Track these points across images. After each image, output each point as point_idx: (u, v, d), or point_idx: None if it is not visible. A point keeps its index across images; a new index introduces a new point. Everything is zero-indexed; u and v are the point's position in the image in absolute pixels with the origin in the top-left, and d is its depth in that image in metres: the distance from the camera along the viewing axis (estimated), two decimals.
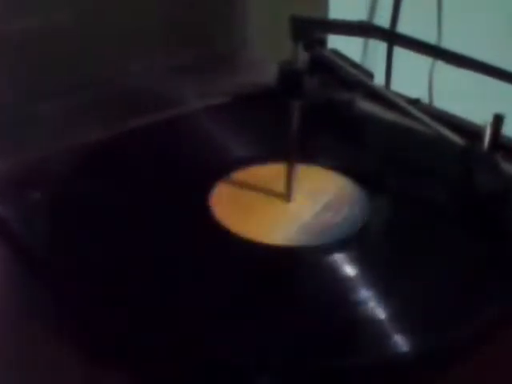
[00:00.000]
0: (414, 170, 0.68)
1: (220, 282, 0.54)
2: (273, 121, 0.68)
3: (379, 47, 1.02)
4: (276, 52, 0.63)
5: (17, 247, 0.58)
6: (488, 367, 0.50)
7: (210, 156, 0.69)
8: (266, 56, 0.83)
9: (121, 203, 0.62)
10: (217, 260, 0.56)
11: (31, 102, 0.71)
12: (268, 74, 0.67)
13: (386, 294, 0.53)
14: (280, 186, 0.64)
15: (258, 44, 0.87)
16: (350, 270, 0.55)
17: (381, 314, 0.51)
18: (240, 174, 0.66)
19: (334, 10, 0.91)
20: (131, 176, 0.66)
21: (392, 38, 0.81)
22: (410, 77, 0.96)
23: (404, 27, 0.98)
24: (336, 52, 0.68)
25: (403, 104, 0.65)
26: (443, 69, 0.65)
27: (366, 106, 0.75)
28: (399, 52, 0.95)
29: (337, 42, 0.68)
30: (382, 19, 1.01)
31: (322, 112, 0.69)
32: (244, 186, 0.65)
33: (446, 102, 0.79)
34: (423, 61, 0.71)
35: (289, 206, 0.64)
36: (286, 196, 0.64)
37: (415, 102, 0.74)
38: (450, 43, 0.64)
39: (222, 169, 0.66)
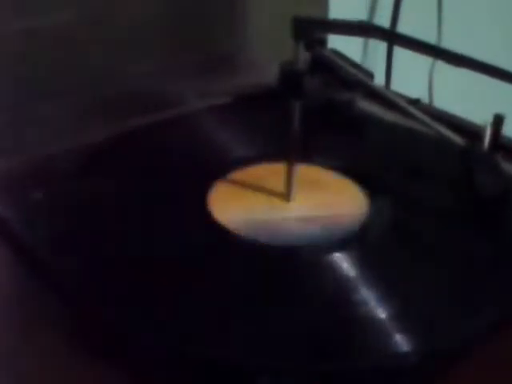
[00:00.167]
0: (414, 170, 0.68)
1: (219, 281, 0.54)
2: (273, 121, 0.68)
3: (379, 47, 1.02)
4: (276, 52, 0.63)
5: (18, 247, 0.58)
6: (488, 367, 0.50)
7: (210, 156, 0.69)
8: (267, 56, 0.83)
9: (121, 203, 0.62)
10: (216, 260, 0.56)
11: (31, 102, 0.71)
12: (268, 74, 0.67)
13: (386, 294, 0.53)
14: (280, 186, 0.64)
15: (259, 44, 0.87)
16: (350, 270, 0.55)
17: (381, 314, 0.51)
18: (240, 174, 0.66)
19: (334, 10, 0.91)
20: (131, 176, 0.66)
21: (392, 37, 0.81)
22: (410, 77, 0.96)
23: (404, 27, 0.98)
24: (336, 52, 0.68)
25: (403, 104, 0.65)
26: (443, 69, 0.65)
27: (366, 105, 0.75)
28: (399, 52, 0.95)
29: (337, 42, 0.67)
30: (382, 19, 1.01)
31: (322, 112, 0.69)
32: (244, 185, 0.65)
33: (445, 102, 0.79)
34: (423, 61, 0.71)
35: (288, 206, 0.64)
36: (286, 195, 0.64)
37: (415, 102, 0.74)
38: (449, 43, 0.64)
39: (221, 168, 0.67)
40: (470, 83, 0.72)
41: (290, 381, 0.48)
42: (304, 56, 0.62)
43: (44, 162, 0.66)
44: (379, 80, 0.88)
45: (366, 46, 1.05)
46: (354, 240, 0.59)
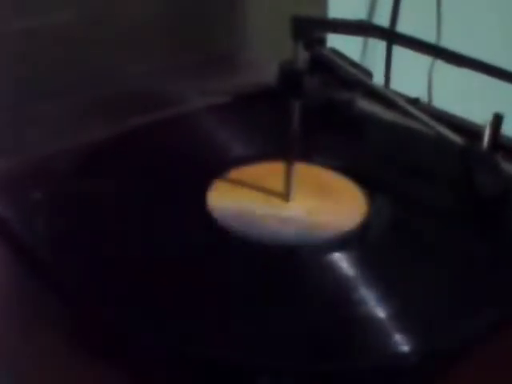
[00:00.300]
0: (413, 170, 0.68)
1: (219, 281, 0.54)
2: (272, 120, 0.68)
3: (378, 46, 1.02)
4: (276, 52, 0.64)
5: (18, 247, 0.58)
6: (488, 367, 0.50)
7: (210, 155, 0.69)
8: (266, 56, 0.83)
9: (120, 203, 0.62)
10: (216, 259, 0.56)
11: (31, 101, 0.71)
12: (268, 73, 0.67)
13: (386, 294, 0.53)
14: (279, 185, 0.64)
15: (258, 44, 0.87)
16: (349, 270, 0.55)
17: (381, 314, 0.51)
18: (239, 173, 0.66)
19: (333, 10, 0.91)
20: (130, 175, 0.66)
21: (391, 37, 0.81)
22: (410, 76, 0.96)
23: (403, 26, 0.98)
24: (335, 51, 0.68)
25: (402, 103, 0.66)
26: (442, 68, 0.65)
27: (366, 105, 0.75)
28: (398, 51, 0.95)
29: (336, 42, 0.68)
30: (382, 18, 1.01)
31: (321, 111, 0.69)
32: (243, 184, 0.65)
33: (445, 102, 0.79)
34: (422, 60, 0.71)
35: (288, 205, 0.64)
36: (285, 195, 0.64)
37: (414, 102, 0.74)
38: (449, 42, 0.64)
39: (221, 168, 0.67)
40: (470, 82, 0.72)
41: (290, 381, 0.48)
42: (303, 55, 0.62)
43: (44, 162, 0.66)
44: (378, 79, 0.88)
45: (365, 46, 1.05)
46: (354, 240, 0.59)
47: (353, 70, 0.67)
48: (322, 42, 0.65)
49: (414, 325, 0.51)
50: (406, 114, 0.65)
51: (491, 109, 0.62)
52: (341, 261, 0.56)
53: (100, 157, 0.68)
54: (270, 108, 0.70)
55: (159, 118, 0.73)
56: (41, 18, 0.71)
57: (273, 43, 0.73)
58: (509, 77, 0.59)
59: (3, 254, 0.58)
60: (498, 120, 0.62)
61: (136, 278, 0.54)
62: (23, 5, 0.70)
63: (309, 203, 0.64)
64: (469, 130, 0.64)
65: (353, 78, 0.67)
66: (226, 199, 0.63)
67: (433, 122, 0.63)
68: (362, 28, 0.68)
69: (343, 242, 0.58)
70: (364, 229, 0.60)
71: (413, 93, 0.76)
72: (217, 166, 0.67)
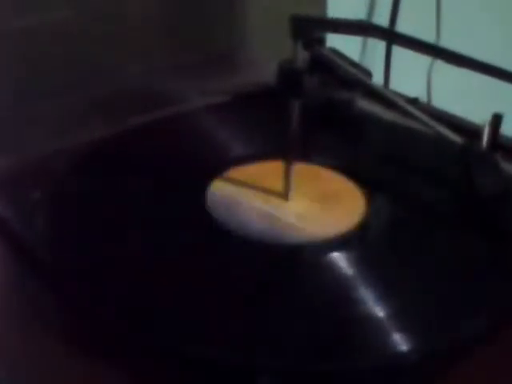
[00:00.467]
0: (413, 170, 0.68)
1: (219, 281, 0.54)
2: (272, 120, 0.68)
3: (378, 46, 1.02)
4: (275, 51, 0.63)
5: (17, 246, 0.58)
6: (488, 367, 0.51)
7: (209, 154, 0.69)
8: (266, 55, 0.83)
9: (120, 202, 0.62)
10: (215, 259, 0.56)
11: (31, 101, 0.71)
12: (267, 73, 0.67)
13: (386, 293, 0.53)
14: (278, 185, 0.64)
15: (258, 43, 0.87)
16: (349, 270, 0.55)
17: (381, 313, 0.51)
18: (238, 172, 0.66)
19: (332, 9, 0.91)
20: (130, 174, 0.66)
21: (391, 37, 0.81)
22: (409, 76, 0.96)
23: (403, 26, 0.98)
24: (335, 51, 0.68)
25: (402, 103, 0.65)
26: (442, 68, 0.65)
27: (365, 105, 0.75)
28: (398, 51, 0.95)
29: (335, 41, 0.68)
30: (381, 18, 1.01)
31: (321, 111, 0.69)
32: (242, 184, 0.65)
33: (444, 101, 0.79)
34: (422, 60, 0.71)
35: (287, 205, 0.64)
36: (284, 194, 0.64)
37: (414, 101, 0.74)
38: (448, 42, 0.64)
39: (220, 167, 0.67)
40: (469, 82, 0.72)
41: (290, 381, 0.48)
42: (303, 55, 0.62)
43: (44, 161, 0.66)
44: (378, 79, 0.88)
45: (364, 45, 1.05)
46: (354, 239, 0.59)
47: (352, 70, 0.67)
48: (322, 41, 0.65)
49: (413, 324, 0.51)
50: (406, 113, 0.65)
51: (490, 109, 0.62)
52: (340, 260, 0.56)
53: (100, 156, 0.68)
54: (270, 108, 0.69)
55: (158, 117, 0.73)
56: (40, 17, 0.71)
57: (272, 43, 0.73)
58: (508, 77, 0.59)
59: (3, 252, 0.58)
60: (497, 120, 0.62)
61: (136, 277, 0.54)
62: (23, 4, 0.70)
63: (308, 203, 0.64)
64: (468, 130, 0.64)
65: (352, 78, 0.67)
66: (225, 198, 0.63)
67: (432, 122, 0.63)
68: (361, 28, 0.68)
69: (343, 242, 0.58)
70: (364, 228, 0.60)
71: (412, 92, 0.76)
72: (216, 166, 0.67)
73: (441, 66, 0.63)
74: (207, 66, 0.82)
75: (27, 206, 0.61)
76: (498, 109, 0.62)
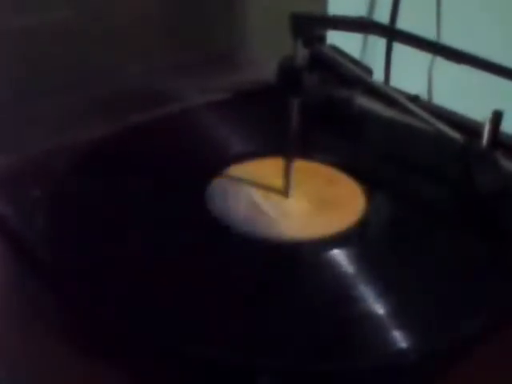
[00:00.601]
0: (413, 167, 0.67)
1: (219, 280, 0.54)
2: (272, 117, 0.68)
3: (378, 43, 1.02)
4: (275, 49, 0.63)
5: (17, 246, 0.58)
6: (488, 367, 0.50)
7: (209, 152, 0.69)
8: (266, 54, 0.83)
9: (120, 201, 0.62)
10: (215, 258, 0.56)
11: (31, 100, 0.71)
12: (267, 71, 0.67)
13: (386, 292, 0.53)
14: (278, 182, 0.64)
15: (258, 41, 0.87)
16: (349, 268, 0.55)
17: (381, 313, 0.51)
18: (238, 170, 0.66)
19: (332, 6, 0.91)
20: (130, 173, 0.66)
21: (391, 34, 0.81)
22: (409, 73, 0.96)
23: (403, 23, 0.98)
24: (335, 48, 0.68)
25: (402, 100, 0.65)
26: (442, 65, 0.65)
27: (365, 102, 0.75)
28: (398, 48, 0.95)
29: (335, 39, 0.67)
30: (381, 15, 1.01)
31: (321, 108, 0.69)
32: (242, 182, 0.65)
33: (445, 99, 0.79)
34: (422, 57, 0.71)
35: (287, 202, 0.64)
36: (284, 192, 0.64)
37: (414, 99, 0.74)
38: (449, 39, 0.64)
39: (220, 165, 0.67)
40: (470, 80, 0.72)
41: (290, 380, 0.48)
42: (303, 53, 0.62)
43: (44, 160, 0.66)
44: (378, 76, 0.88)
45: (365, 43, 1.04)
46: (353, 237, 0.59)
47: (353, 67, 0.67)
48: (322, 39, 0.65)
49: (413, 324, 0.51)
50: (406, 111, 0.65)
51: (491, 106, 0.62)
52: (340, 258, 0.56)
53: (100, 155, 0.68)
54: (270, 105, 0.69)
55: (158, 115, 0.73)
56: (40, 16, 0.71)
57: (272, 41, 0.73)
58: (508, 74, 0.59)
59: (3, 252, 0.58)
60: (497, 117, 0.62)
61: (136, 277, 0.54)
62: (23, 4, 0.70)
63: (308, 200, 0.64)
64: (468, 127, 0.64)
65: (352, 75, 0.67)
66: (225, 196, 0.63)
67: (432, 119, 0.63)
68: (362, 25, 0.67)
69: (343, 240, 0.58)
70: (363, 226, 0.60)
71: (413, 90, 0.76)
72: (216, 164, 0.67)
73: (441, 63, 0.63)
74: (207, 65, 0.82)
75: (27, 205, 0.61)
76: (498, 106, 0.62)
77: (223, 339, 0.49)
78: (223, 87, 0.78)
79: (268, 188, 0.65)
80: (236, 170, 0.66)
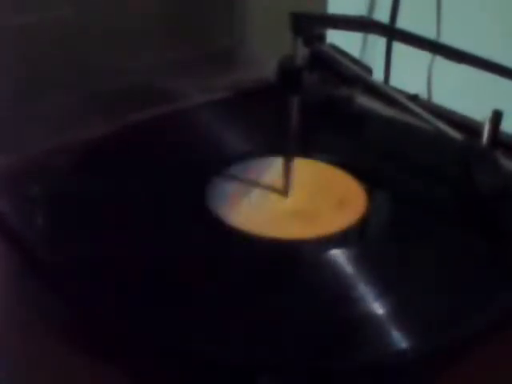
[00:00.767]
0: (413, 167, 0.67)
1: (219, 280, 0.54)
2: (272, 116, 0.68)
3: (378, 42, 1.02)
4: (275, 48, 0.63)
5: (17, 245, 0.58)
6: (488, 367, 0.51)
7: (209, 151, 0.69)
8: (266, 52, 0.83)
9: (120, 200, 0.62)
10: (216, 257, 0.56)
11: (31, 100, 0.71)
12: (267, 70, 0.67)
13: (386, 291, 0.53)
14: (278, 181, 0.64)
15: (258, 41, 0.87)
16: (349, 267, 0.55)
17: (381, 313, 0.51)
18: (238, 169, 0.66)
19: (332, 5, 0.91)
20: (130, 173, 0.66)
21: (391, 33, 0.81)
22: (409, 72, 0.96)
23: (403, 22, 0.98)
24: (335, 47, 0.68)
25: (402, 100, 0.65)
26: (442, 64, 0.65)
27: (365, 101, 0.74)
28: (398, 47, 0.95)
29: (335, 38, 0.67)
30: (381, 14, 1.01)
31: (321, 107, 0.69)
32: (242, 180, 0.65)
33: (444, 98, 0.79)
34: (422, 56, 0.71)
35: (287, 201, 0.64)
36: (284, 191, 0.64)
37: (414, 98, 0.74)
38: (449, 38, 0.64)
39: (220, 164, 0.66)
40: (469, 79, 0.72)
41: (290, 380, 0.48)
42: (303, 51, 0.62)
43: (44, 160, 0.66)
44: (378, 75, 0.88)
45: (364, 42, 1.04)
46: (354, 237, 0.59)
47: (352, 67, 0.66)
48: (322, 38, 0.65)
49: (413, 323, 0.51)
50: (406, 110, 0.65)
51: (491, 105, 0.62)
52: (340, 258, 0.56)
53: (99, 153, 0.68)
54: (270, 104, 0.69)
55: (158, 114, 0.73)
56: (40, 16, 0.71)
57: (272, 40, 0.73)
58: (508, 73, 0.59)
59: (3, 252, 0.58)
60: (497, 116, 0.62)
61: (136, 277, 0.54)
62: (23, 3, 0.70)
63: (308, 199, 0.64)
64: (468, 127, 0.64)
65: (352, 74, 0.67)
66: (225, 195, 0.63)
67: (432, 119, 0.63)
68: (361, 24, 0.68)
69: (343, 239, 0.58)
70: (363, 226, 0.60)
71: (412, 89, 0.76)
72: (216, 162, 0.67)
73: (441, 62, 0.63)
74: (207, 64, 0.82)
75: (27, 205, 0.61)
76: (498, 105, 0.62)
77: (223, 339, 0.49)
78: (223, 86, 0.78)
79: (268, 187, 0.65)
80: (236, 169, 0.66)
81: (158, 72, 0.79)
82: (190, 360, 0.48)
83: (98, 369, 0.49)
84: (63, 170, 0.65)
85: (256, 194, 0.64)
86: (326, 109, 0.71)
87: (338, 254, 0.56)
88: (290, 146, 0.63)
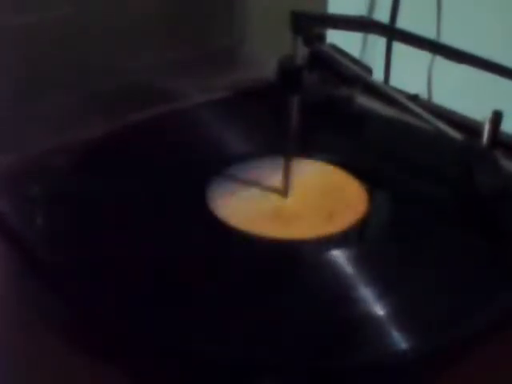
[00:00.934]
0: (413, 167, 0.67)
1: (219, 280, 0.54)
2: (272, 116, 0.68)
3: (378, 42, 1.02)
4: (275, 47, 0.63)
5: (17, 245, 0.58)
6: (488, 367, 0.51)
7: (209, 151, 0.69)
8: (265, 53, 0.83)
9: (120, 200, 0.62)
10: (216, 257, 0.56)
11: (31, 100, 0.71)
12: (267, 70, 0.67)
13: (386, 292, 0.53)
14: (278, 181, 0.64)
15: (258, 40, 0.87)
16: (349, 268, 0.55)
17: (381, 313, 0.51)
18: (238, 169, 0.66)
19: (333, 5, 0.91)
20: (130, 173, 0.66)
21: (391, 33, 0.81)
22: (409, 72, 0.96)
23: (403, 22, 0.98)
24: (335, 47, 0.68)
25: (402, 100, 0.65)
26: (442, 64, 0.65)
27: (365, 101, 0.74)
28: (398, 47, 0.95)
29: (335, 37, 0.67)
30: (381, 14, 1.01)
31: (321, 107, 0.69)
32: (242, 181, 0.65)
33: (444, 98, 0.79)
34: (422, 56, 0.71)
35: (287, 202, 0.64)
36: (284, 191, 0.64)
37: (414, 98, 0.74)
38: (449, 39, 0.64)
39: (220, 164, 0.66)
40: (470, 79, 0.72)
41: (290, 380, 0.48)
42: (303, 51, 0.62)
43: (44, 160, 0.66)
44: (378, 75, 0.88)
45: (364, 42, 1.04)
46: (354, 237, 0.59)
47: (352, 67, 0.66)
48: (322, 37, 0.65)
49: (413, 323, 0.51)
50: (406, 110, 0.65)
51: (491, 106, 0.62)
52: (341, 258, 0.56)
53: (99, 154, 0.68)
54: (270, 104, 0.69)
55: (158, 114, 0.73)
56: (40, 16, 0.71)
57: (272, 40, 0.73)
58: (508, 73, 0.59)
59: (3, 252, 0.58)
60: (497, 117, 0.62)
61: (136, 277, 0.54)
62: (23, 3, 0.70)
63: (308, 199, 0.64)
64: (468, 127, 0.64)
65: (352, 74, 0.67)
66: (225, 196, 0.63)
67: (432, 119, 0.63)
68: (362, 24, 0.68)
69: (342, 239, 0.58)
70: (363, 226, 0.60)
71: (412, 89, 0.76)
72: (216, 162, 0.67)
73: (441, 62, 0.63)
74: (207, 64, 0.82)
75: (27, 205, 0.61)
76: (498, 106, 0.62)
77: (223, 339, 0.49)
78: (223, 86, 0.78)
79: (267, 187, 0.65)
80: (236, 169, 0.66)
81: (158, 72, 0.79)
82: (190, 360, 0.48)
83: (98, 369, 0.49)
84: (63, 169, 0.65)
85: (256, 194, 0.64)
86: (325, 109, 0.71)
87: (338, 255, 0.56)
88: (289, 146, 0.63)
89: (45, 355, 0.52)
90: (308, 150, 0.68)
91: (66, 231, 0.59)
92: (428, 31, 0.62)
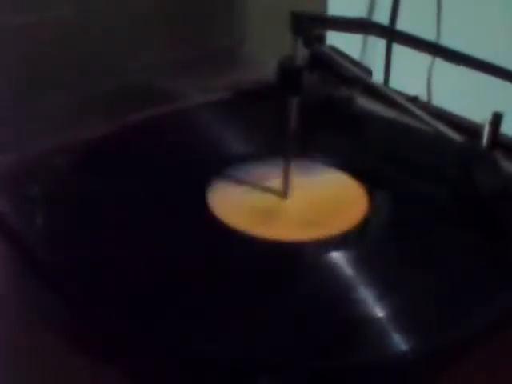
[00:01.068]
0: (413, 168, 0.67)
1: (219, 280, 0.54)
2: (271, 117, 0.68)
3: (378, 44, 1.02)
4: (275, 48, 0.63)
5: (17, 245, 0.58)
6: (488, 367, 0.51)
7: (209, 151, 0.69)
8: (266, 53, 0.83)
9: (120, 200, 0.62)
10: (216, 258, 0.56)
11: (31, 100, 0.71)
12: (267, 70, 0.67)
13: (386, 293, 0.53)
14: (278, 183, 0.64)
15: (257, 41, 0.87)
16: (349, 269, 0.55)
17: (381, 313, 0.51)
18: (238, 170, 0.66)
19: (333, 7, 0.91)
20: (130, 173, 0.66)
21: (391, 35, 0.81)
22: (409, 74, 0.96)
23: (403, 24, 0.98)
24: (335, 49, 0.68)
25: (402, 101, 0.66)
26: (442, 66, 0.65)
27: (365, 102, 0.75)
28: (398, 49, 0.95)
29: (335, 39, 0.67)
30: (381, 16, 1.01)
31: (320, 108, 0.69)
32: (242, 182, 0.65)
33: (444, 100, 0.79)
34: (422, 58, 0.71)
35: (286, 203, 0.64)
36: (284, 193, 0.64)
37: (414, 100, 0.74)
38: (449, 40, 0.64)
39: (220, 164, 0.66)
40: (469, 81, 0.72)
41: (290, 380, 0.48)
42: (303, 52, 0.62)
43: (44, 160, 0.66)
44: (378, 77, 0.88)
45: (364, 43, 1.04)
46: (354, 237, 0.59)
47: (352, 68, 0.67)
48: (322, 39, 0.65)
49: (413, 323, 0.51)
50: (406, 111, 0.65)
51: (490, 107, 0.62)
52: (341, 259, 0.56)
53: (99, 154, 0.68)
54: (270, 105, 0.69)
55: (158, 114, 0.73)
56: (40, 16, 0.71)
57: (272, 40, 0.73)
58: (508, 75, 0.59)
59: (3, 252, 0.58)
60: (497, 118, 0.62)
61: (136, 277, 0.54)
62: (23, 3, 0.70)
63: (307, 201, 0.64)
64: (468, 129, 0.64)
65: (352, 76, 0.67)
66: (225, 197, 0.63)
67: (432, 121, 0.63)
68: (361, 25, 0.68)
69: (343, 241, 0.58)
70: (363, 227, 0.60)
71: (412, 91, 0.76)
72: (216, 163, 0.67)
73: (441, 64, 0.63)
74: (207, 64, 0.82)
75: (27, 205, 0.61)
76: (497, 107, 0.62)
77: (223, 339, 0.49)
78: (223, 86, 0.78)
79: (267, 189, 0.65)
80: (236, 170, 0.66)
81: (158, 72, 0.79)
82: (190, 360, 0.48)
83: (98, 369, 0.49)
84: (63, 170, 0.65)
85: (255, 194, 0.64)
86: (325, 109, 0.71)
87: (338, 256, 0.56)
88: (289, 147, 0.63)
89: (45, 355, 0.52)
90: (308, 150, 0.68)
91: (66, 231, 0.59)
92: (428, 32, 0.62)
